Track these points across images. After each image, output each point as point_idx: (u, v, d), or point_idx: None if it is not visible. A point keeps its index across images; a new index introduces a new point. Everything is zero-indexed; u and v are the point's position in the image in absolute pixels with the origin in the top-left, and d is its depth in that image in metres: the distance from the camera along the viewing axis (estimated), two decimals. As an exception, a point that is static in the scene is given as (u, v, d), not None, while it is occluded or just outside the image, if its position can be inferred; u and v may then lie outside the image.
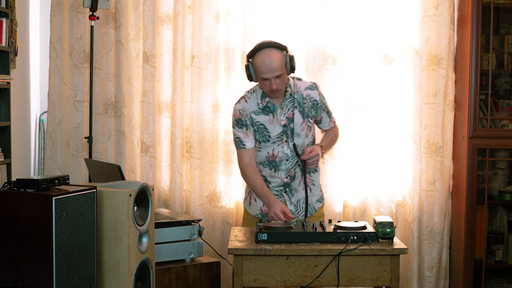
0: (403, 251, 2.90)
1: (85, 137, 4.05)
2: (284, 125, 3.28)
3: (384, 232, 2.96)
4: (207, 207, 4.20)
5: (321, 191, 3.47)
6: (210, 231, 4.16)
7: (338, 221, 3.16)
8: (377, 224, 2.98)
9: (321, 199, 3.45)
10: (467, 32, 4.00)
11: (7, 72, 3.67)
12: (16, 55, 3.93)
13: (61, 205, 2.49)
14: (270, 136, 3.30)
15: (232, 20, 4.19)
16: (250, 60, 3.22)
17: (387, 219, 3.02)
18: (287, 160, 3.30)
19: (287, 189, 3.35)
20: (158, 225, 3.25)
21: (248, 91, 3.37)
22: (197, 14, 4.16)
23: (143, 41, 4.18)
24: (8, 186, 2.61)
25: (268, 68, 3.13)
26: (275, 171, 3.33)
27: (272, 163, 3.33)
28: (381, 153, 4.23)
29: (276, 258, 2.89)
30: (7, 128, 3.69)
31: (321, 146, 3.31)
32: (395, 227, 3.01)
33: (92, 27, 3.98)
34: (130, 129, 4.19)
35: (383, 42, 4.19)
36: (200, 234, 3.42)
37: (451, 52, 4.19)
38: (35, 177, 2.56)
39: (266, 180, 3.35)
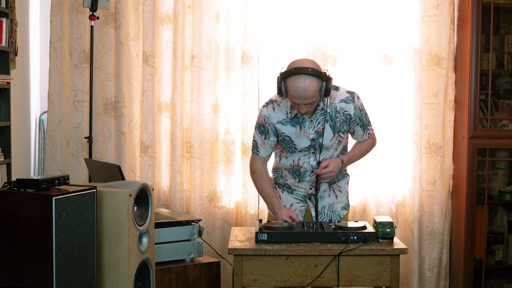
0: (403, 251, 2.90)
1: (85, 137, 4.05)
2: (313, 139, 3.14)
3: (384, 232, 2.96)
4: (207, 207, 4.20)
5: (348, 199, 3.36)
6: (210, 231, 4.16)
7: (338, 221, 3.16)
8: (377, 224, 2.98)
9: (346, 207, 3.34)
10: (467, 32, 4.00)
11: (7, 72, 3.67)
12: (16, 55, 3.93)
13: (61, 205, 2.49)
14: (296, 149, 3.17)
15: (232, 20, 4.19)
16: (284, 79, 2.99)
17: (387, 219, 3.02)
18: (312, 171, 3.20)
19: (311, 196, 3.26)
20: (158, 225, 3.25)
21: (277, 96, 3.15)
22: (197, 14, 4.16)
23: (143, 41, 4.18)
24: (8, 186, 2.60)
25: (300, 96, 2.94)
26: (299, 181, 3.24)
27: (296, 172, 3.23)
28: (381, 153, 4.22)
29: (276, 258, 2.89)
30: (7, 128, 3.69)
31: (342, 160, 3.17)
32: (395, 227, 3.01)
33: (92, 27, 3.98)
34: (130, 129, 4.19)
35: (383, 42, 4.19)
36: (200, 234, 3.42)
37: (451, 52, 4.19)
38: (35, 177, 2.56)
39: (290, 188, 3.28)
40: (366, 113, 3.25)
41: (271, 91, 4.27)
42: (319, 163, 3.16)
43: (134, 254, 2.79)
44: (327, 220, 3.25)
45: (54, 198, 2.45)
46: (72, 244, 2.56)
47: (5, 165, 3.67)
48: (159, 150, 4.22)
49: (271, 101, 3.20)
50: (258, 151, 3.25)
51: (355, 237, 2.93)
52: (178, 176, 4.18)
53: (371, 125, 3.31)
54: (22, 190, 2.55)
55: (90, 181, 3.74)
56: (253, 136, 3.28)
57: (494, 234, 4.13)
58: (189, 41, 4.18)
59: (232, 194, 4.24)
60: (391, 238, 2.97)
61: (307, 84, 2.93)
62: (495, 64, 4.13)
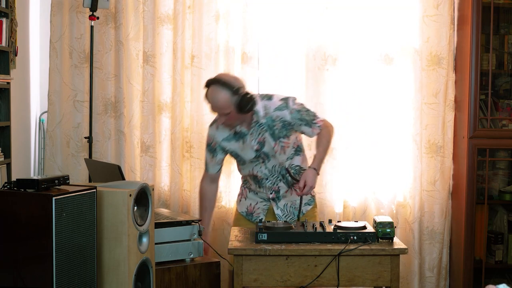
0: (403, 251, 2.90)
1: (85, 137, 4.05)
2: (257, 150, 3.35)
3: (384, 232, 2.96)
4: (207, 207, 4.20)
5: (312, 194, 3.51)
6: (210, 231, 4.15)
7: (338, 221, 3.16)
8: (377, 224, 2.98)
9: (310, 202, 3.50)
10: (467, 32, 4.00)
11: (7, 72, 3.67)
12: (16, 55, 3.93)
13: (61, 205, 2.49)
14: (245, 161, 3.42)
15: (232, 20, 4.19)
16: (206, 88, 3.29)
17: (387, 219, 3.02)
18: (267, 179, 3.41)
19: (275, 197, 3.46)
20: (158, 225, 3.25)
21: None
22: (197, 14, 4.16)
23: (143, 41, 4.18)
24: (8, 186, 2.60)
25: (214, 104, 3.22)
26: (259, 187, 3.46)
27: (255, 179, 3.46)
28: (382, 153, 4.22)
29: (276, 258, 2.89)
30: (7, 128, 3.69)
31: (314, 168, 3.30)
32: (395, 227, 3.01)
33: (92, 27, 3.98)
34: (130, 129, 4.19)
35: (383, 42, 4.19)
36: (200, 234, 3.42)
37: (451, 52, 4.19)
38: (35, 177, 2.55)
39: (254, 192, 3.51)
40: (307, 111, 3.35)
41: (271, 91, 4.30)
42: (288, 171, 3.35)
43: (134, 254, 2.79)
44: (293, 219, 3.42)
45: (54, 198, 2.45)
46: (72, 244, 2.56)
47: (5, 165, 3.67)
48: (159, 150, 4.22)
49: (214, 121, 3.43)
50: (207, 169, 3.51)
51: (355, 237, 2.94)
52: (178, 176, 4.18)
53: (317, 118, 3.38)
54: (22, 190, 2.54)
55: (90, 181, 3.74)
56: (205, 157, 3.52)
57: (494, 234, 4.13)
58: (189, 41, 4.18)
59: (232, 194, 4.24)
60: (391, 238, 2.97)
61: (218, 94, 3.19)
62: (495, 64, 4.13)
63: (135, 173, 4.18)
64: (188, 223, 3.40)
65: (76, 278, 2.58)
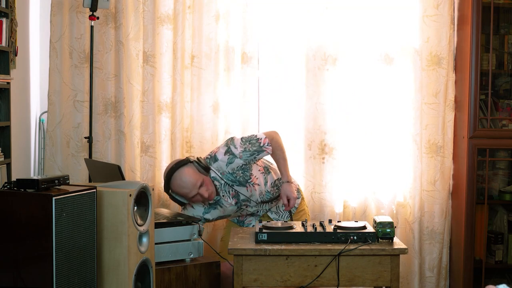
0: (403, 251, 2.90)
1: (85, 137, 4.05)
2: (236, 203, 3.47)
3: (384, 232, 2.96)
4: (207, 207, 4.20)
5: (297, 187, 3.63)
6: (210, 231, 4.16)
7: (338, 221, 3.16)
8: (377, 224, 2.98)
9: (298, 195, 3.60)
10: (467, 32, 4.00)
11: (7, 72, 3.67)
12: (16, 55, 3.93)
13: (61, 205, 2.49)
14: (230, 215, 3.58)
15: (232, 20, 4.19)
16: (170, 192, 3.36)
17: (387, 219, 3.02)
18: (258, 211, 3.58)
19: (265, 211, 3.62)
20: (158, 225, 3.25)
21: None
22: (197, 14, 4.16)
23: (143, 41, 4.18)
24: (8, 186, 2.60)
25: (188, 187, 3.27)
26: (252, 215, 3.62)
27: (245, 217, 3.64)
28: (382, 153, 4.22)
29: (276, 258, 2.89)
30: (7, 128, 3.69)
31: (287, 181, 3.43)
32: (395, 227, 3.01)
33: (92, 27, 3.98)
34: (130, 129, 4.19)
35: (383, 42, 4.19)
36: (200, 234, 3.42)
37: (451, 52, 4.19)
38: (35, 177, 2.55)
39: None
40: (249, 142, 3.42)
41: (271, 91, 4.32)
42: (264, 201, 3.49)
43: (134, 254, 2.79)
44: (286, 216, 3.53)
45: (54, 198, 2.45)
46: (72, 244, 2.56)
47: (5, 165, 3.67)
48: (159, 150, 4.21)
49: (184, 207, 3.54)
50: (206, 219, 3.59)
51: (355, 237, 2.94)
52: (178, 176, 4.18)
53: (261, 140, 3.43)
54: (22, 190, 2.54)
55: (90, 181, 3.74)
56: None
57: (494, 234, 4.13)
58: (189, 41, 4.18)
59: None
60: (391, 238, 2.98)
61: (182, 175, 3.27)
62: (495, 64, 4.13)
63: (135, 173, 4.18)
64: (188, 223, 3.40)
65: (76, 278, 2.58)
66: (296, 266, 2.90)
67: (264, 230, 2.98)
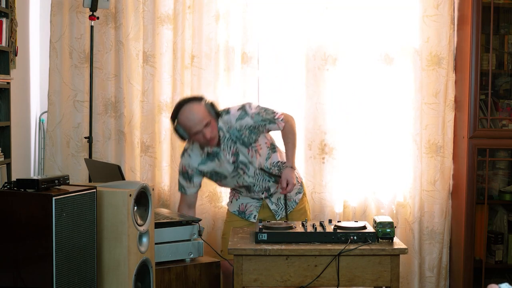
0: (403, 251, 2.90)
1: (85, 137, 4.05)
2: (233, 162, 3.40)
3: (384, 232, 2.96)
4: (207, 207, 4.20)
5: (299, 181, 3.58)
6: (210, 231, 4.16)
7: (338, 221, 3.16)
8: (377, 224, 2.98)
9: (300, 190, 3.57)
10: (467, 32, 4.00)
11: (7, 72, 3.67)
12: (16, 55, 3.93)
13: (61, 205, 2.49)
14: (226, 176, 3.45)
15: (232, 20, 4.19)
16: (176, 122, 3.31)
17: (387, 219, 3.02)
18: (254, 184, 3.47)
19: (267, 195, 3.52)
20: (158, 225, 3.25)
21: (187, 143, 3.46)
22: (197, 14, 4.16)
23: (143, 41, 4.18)
24: (8, 186, 2.60)
25: (194, 121, 3.24)
26: (249, 192, 3.51)
27: (242, 188, 3.51)
28: (382, 153, 4.22)
29: (276, 258, 2.89)
30: (7, 128, 3.69)
31: (291, 167, 3.38)
32: (395, 227, 3.01)
33: (92, 27, 3.98)
34: (130, 129, 4.19)
35: (383, 42, 4.19)
36: (200, 234, 3.42)
37: (451, 52, 4.19)
38: (35, 177, 2.55)
39: (247, 195, 3.55)
40: (265, 110, 3.42)
41: (271, 91, 4.31)
42: (263, 170, 3.41)
43: (134, 254, 2.79)
44: (289, 210, 3.48)
45: (54, 198, 2.45)
46: (72, 244, 2.56)
47: (5, 165, 3.67)
48: (159, 150, 4.22)
49: (185, 150, 3.47)
50: (184, 190, 3.50)
51: (355, 237, 2.93)
52: (178, 176, 4.18)
53: (277, 113, 3.44)
54: (22, 190, 2.54)
55: (90, 181, 3.74)
56: (178, 180, 3.52)
57: (494, 234, 4.13)
58: (189, 41, 4.18)
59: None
60: (391, 238, 2.97)
61: (193, 109, 3.25)
62: (495, 64, 4.13)
63: (135, 173, 4.18)
64: (188, 223, 3.40)
65: (76, 278, 2.58)
66: (296, 266, 2.90)
67: (264, 230, 2.98)
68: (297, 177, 3.53)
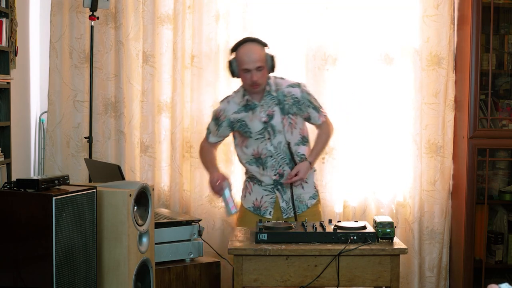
0: (403, 251, 2.90)
1: (85, 137, 4.05)
2: (265, 122, 3.37)
3: (384, 232, 2.96)
4: (207, 207, 4.20)
5: (316, 189, 3.53)
6: (210, 231, 4.16)
7: (338, 221, 3.16)
8: (377, 224, 2.98)
9: (314, 196, 3.51)
10: (467, 32, 4.00)
11: (7, 72, 3.67)
12: (16, 55, 3.93)
13: (61, 205, 2.49)
14: (251, 132, 3.41)
15: (232, 20, 4.19)
16: (233, 54, 3.38)
17: (387, 219, 3.02)
18: (271, 157, 3.40)
19: (279, 186, 3.43)
20: (158, 225, 3.25)
21: (234, 91, 3.52)
22: (197, 14, 4.16)
23: (143, 41, 4.18)
24: (8, 186, 2.61)
25: (250, 58, 3.30)
26: (263, 169, 3.43)
27: (259, 160, 3.43)
28: (382, 153, 4.22)
29: (276, 258, 2.89)
30: (7, 128, 3.69)
31: (310, 162, 3.38)
32: (395, 227, 3.01)
33: (92, 27, 3.98)
34: (130, 129, 4.19)
35: (383, 42, 4.19)
36: (200, 234, 3.42)
37: (451, 52, 4.19)
38: (35, 177, 2.56)
39: (256, 178, 3.47)
40: (315, 99, 3.49)
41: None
42: (289, 145, 3.37)
43: (134, 254, 2.79)
44: (297, 212, 3.42)
45: (54, 198, 2.45)
46: (72, 244, 2.56)
47: (5, 165, 3.67)
48: (159, 150, 4.22)
49: (226, 97, 3.54)
50: (208, 137, 3.56)
51: (355, 237, 2.93)
52: (178, 176, 4.18)
53: (322, 109, 3.51)
54: (22, 190, 2.55)
55: (90, 181, 3.74)
56: (208, 125, 3.58)
57: (494, 234, 4.13)
58: (189, 41, 4.18)
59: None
60: (391, 238, 2.97)
61: (254, 48, 3.33)
62: (495, 64, 4.13)
63: (135, 173, 4.18)
64: (188, 223, 3.40)
65: (76, 278, 2.58)
66: (296, 266, 2.90)
67: (264, 230, 2.98)
68: (314, 183, 3.52)
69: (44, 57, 4.31)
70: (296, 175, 3.32)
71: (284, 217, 3.43)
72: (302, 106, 3.42)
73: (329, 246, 2.90)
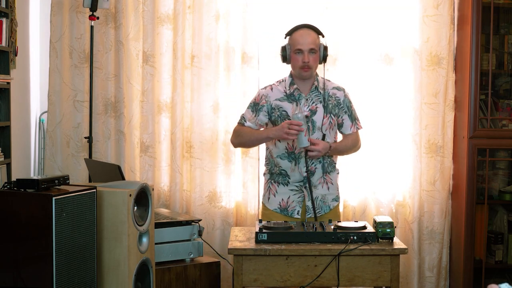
0: (403, 251, 2.90)
1: (85, 137, 4.05)
2: (306, 116, 3.32)
3: (384, 232, 2.96)
4: (207, 207, 4.20)
5: (338, 191, 3.50)
6: (210, 231, 4.16)
7: (338, 221, 3.16)
8: (377, 224, 2.98)
9: (337, 198, 3.49)
10: (467, 32, 4.00)
11: (7, 72, 3.67)
12: (16, 55, 3.93)
13: (61, 205, 2.49)
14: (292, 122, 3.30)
15: (232, 20, 4.19)
16: (287, 38, 3.40)
17: (387, 219, 3.02)
18: (306, 153, 3.31)
19: (307, 185, 3.36)
20: (158, 225, 3.25)
21: (277, 81, 3.49)
22: (197, 14, 4.16)
23: (143, 41, 4.18)
24: (8, 186, 2.60)
25: (304, 40, 3.32)
26: (295, 164, 3.36)
27: (292, 155, 3.37)
28: (381, 153, 4.22)
29: (276, 258, 2.89)
30: (7, 128, 3.69)
31: (330, 146, 3.32)
32: (395, 227, 3.01)
33: (92, 27, 3.98)
34: (130, 129, 4.19)
35: (383, 42, 4.19)
36: (200, 234, 3.42)
37: (451, 52, 4.19)
38: (35, 177, 2.56)
39: (286, 175, 3.40)
40: (354, 109, 3.48)
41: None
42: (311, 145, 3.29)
43: (134, 254, 2.79)
44: (320, 213, 3.37)
45: (54, 198, 2.45)
46: (72, 244, 2.56)
47: (5, 165, 3.67)
48: (159, 150, 4.22)
49: (269, 84, 3.49)
50: (244, 121, 3.45)
51: (355, 237, 2.94)
52: (178, 176, 4.18)
53: (359, 121, 3.49)
54: (22, 190, 2.55)
55: (90, 181, 3.74)
56: (242, 114, 3.48)
57: (494, 234, 4.13)
58: (189, 41, 4.18)
59: (232, 194, 4.24)
60: (391, 238, 2.98)
61: (311, 33, 3.35)
62: (495, 64, 4.13)
63: (135, 173, 4.18)
64: (188, 223, 3.40)
65: (76, 278, 2.58)
66: (296, 266, 2.90)
67: (264, 230, 2.98)
68: (337, 186, 3.49)
69: (44, 57, 4.31)
70: (311, 149, 3.23)
71: (307, 216, 3.36)
72: (340, 110, 3.41)
73: (329, 246, 2.90)
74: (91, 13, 3.92)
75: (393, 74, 4.21)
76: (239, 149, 4.21)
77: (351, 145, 3.48)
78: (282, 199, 3.40)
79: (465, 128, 4.03)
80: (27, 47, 4.22)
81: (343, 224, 3.07)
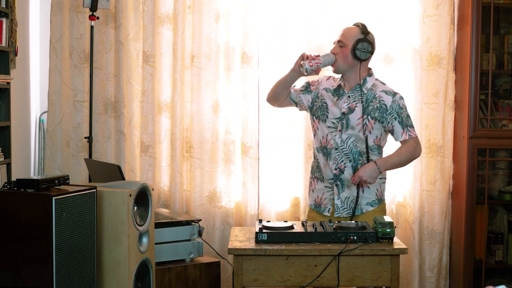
0: (403, 251, 2.90)
1: (85, 137, 4.05)
2: (343, 113, 3.31)
3: (384, 232, 2.96)
4: (207, 207, 4.20)
5: (377, 196, 3.36)
6: (210, 231, 4.16)
7: (338, 221, 3.16)
8: (377, 224, 2.98)
9: (373, 204, 3.34)
10: (467, 32, 4.00)
11: (7, 72, 3.67)
12: (16, 55, 3.93)
13: (61, 205, 2.49)
14: (327, 117, 3.34)
15: (232, 20, 4.19)
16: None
17: (387, 219, 3.02)
18: (336, 149, 3.31)
19: (338, 182, 3.33)
20: (158, 225, 3.25)
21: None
22: (197, 14, 4.16)
23: (143, 41, 4.18)
24: (8, 186, 2.60)
25: (341, 32, 3.35)
26: (326, 159, 3.35)
27: (324, 149, 3.36)
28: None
29: (276, 258, 2.89)
30: (7, 128, 3.69)
31: (375, 162, 3.24)
32: (395, 227, 3.01)
33: (92, 27, 3.98)
34: (130, 129, 4.19)
35: (383, 42, 4.18)
36: (200, 234, 3.42)
37: (451, 52, 4.19)
38: (35, 177, 2.56)
39: (319, 173, 3.40)
40: (408, 115, 3.33)
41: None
42: (367, 139, 3.29)
43: (134, 254, 2.79)
44: (349, 213, 3.32)
45: (54, 198, 2.45)
46: (72, 244, 2.56)
47: (5, 165, 3.67)
48: (159, 150, 4.22)
49: (330, 75, 3.49)
50: (294, 84, 3.46)
51: (355, 237, 2.93)
52: (178, 176, 4.18)
53: (413, 128, 3.32)
54: (22, 190, 2.55)
55: (90, 181, 3.74)
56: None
57: (494, 234, 4.13)
58: (189, 41, 4.18)
59: (232, 194, 4.24)
60: (391, 238, 2.97)
61: (352, 27, 3.37)
62: (495, 64, 4.13)
63: (135, 173, 4.18)
64: (188, 223, 3.40)
65: (76, 278, 2.58)
66: (296, 266, 2.90)
67: (264, 230, 2.98)
68: (379, 191, 3.36)
69: (44, 57, 4.31)
70: (358, 181, 3.21)
71: (335, 215, 3.32)
72: (388, 116, 3.28)
73: (329, 246, 2.90)
74: (91, 13, 3.93)
75: (393, 74, 4.21)
76: (238, 149, 4.21)
77: (406, 154, 3.31)
78: (318, 196, 3.41)
79: (465, 128, 4.03)
80: (27, 47, 4.22)
81: (343, 224, 3.07)
